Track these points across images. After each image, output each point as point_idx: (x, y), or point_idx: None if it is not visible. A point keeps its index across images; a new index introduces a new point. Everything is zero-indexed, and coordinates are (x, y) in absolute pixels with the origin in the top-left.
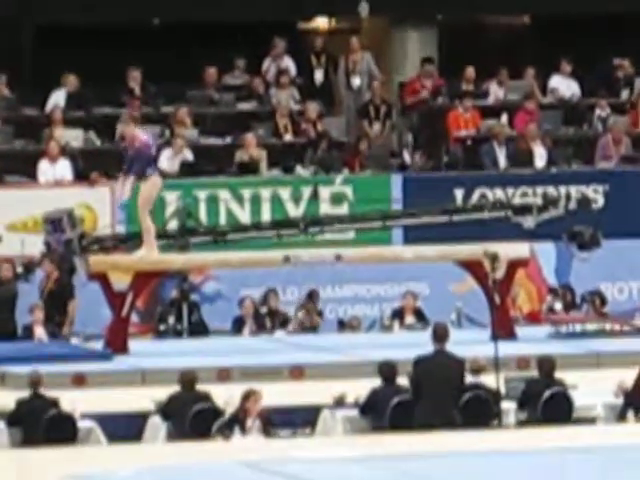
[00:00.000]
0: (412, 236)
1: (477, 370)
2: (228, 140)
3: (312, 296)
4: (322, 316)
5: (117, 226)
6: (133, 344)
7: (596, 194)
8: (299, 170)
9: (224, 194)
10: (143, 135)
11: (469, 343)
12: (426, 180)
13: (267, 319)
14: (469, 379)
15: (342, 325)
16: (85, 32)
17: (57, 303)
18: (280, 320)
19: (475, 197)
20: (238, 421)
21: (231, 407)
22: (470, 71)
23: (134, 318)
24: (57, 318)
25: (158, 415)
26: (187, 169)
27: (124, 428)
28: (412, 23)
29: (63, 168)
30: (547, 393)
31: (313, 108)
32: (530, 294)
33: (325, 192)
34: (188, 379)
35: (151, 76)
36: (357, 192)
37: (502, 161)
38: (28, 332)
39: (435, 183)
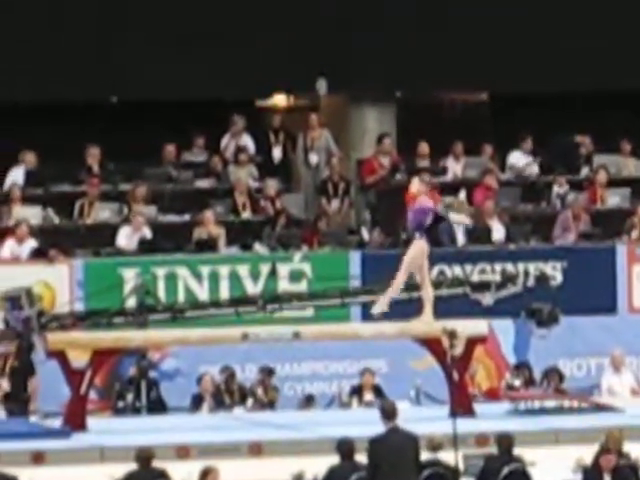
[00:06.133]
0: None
1: (435, 447)
2: (186, 217)
3: (267, 372)
4: (278, 391)
5: (76, 303)
6: (91, 421)
7: (554, 271)
8: (257, 247)
9: (182, 271)
10: (426, 201)
11: (428, 420)
12: (384, 257)
13: (226, 396)
14: (428, 456)
15: (309, 400)
16: (43, 109)
17: (20, 380)
18: (239, 397)
19: (434, 274)
20: None
21: None
22: (423, 146)
23: (92, 395)
24: (23, 395)
25: None
26: (145, 246)
27: None
28: (370, 100)
29: (30, 249)
30: (506, 470)
31: (271, 185)
32: (489, 371)
33: (284, 269)
34: (144, 456)
35: (109, 154)
36: (315, 269)
37: (460, 238)
38: None
39: (393, 260)
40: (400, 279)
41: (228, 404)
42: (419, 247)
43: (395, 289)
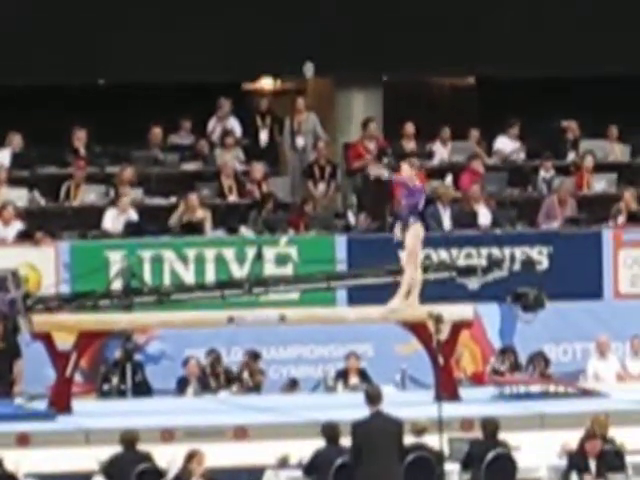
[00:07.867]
0: (357, 297)
1: (419, 431)
2: (172, 200)
3: (252, 355)
4: (264, 375)
5: (61, 286)
6: (77, 404)
7: (540, 255)
8: (243, 231)
9: (168, 254)
10: (417, 181)
11: (413, 404)
12: (370, 241)
13: (211, 379)
14: (412, 440)
15: (292, 385)
16: (30, 92)
17: (5, 362)
18: (224, 381)
19: (419, 258)
20: None
21: (174, 468)
22: (409, 128)
23: (78, 378)
24: (8, 377)
25: (101, 475)
26: (131, 229)
27: None
28: (357, 84)
29: (16, 231)
30: (491, 454)
31: (258, 169)
32: (474, 355)
33: (270, 253)
34: (129, 439)
35: (96, 136)
36: (302, 253)
37: (446, 222)
38: None
39: (379, 244)
40: (409, 271)
41: (213, 387)
42: (417, 233)
43: (408, 285)
